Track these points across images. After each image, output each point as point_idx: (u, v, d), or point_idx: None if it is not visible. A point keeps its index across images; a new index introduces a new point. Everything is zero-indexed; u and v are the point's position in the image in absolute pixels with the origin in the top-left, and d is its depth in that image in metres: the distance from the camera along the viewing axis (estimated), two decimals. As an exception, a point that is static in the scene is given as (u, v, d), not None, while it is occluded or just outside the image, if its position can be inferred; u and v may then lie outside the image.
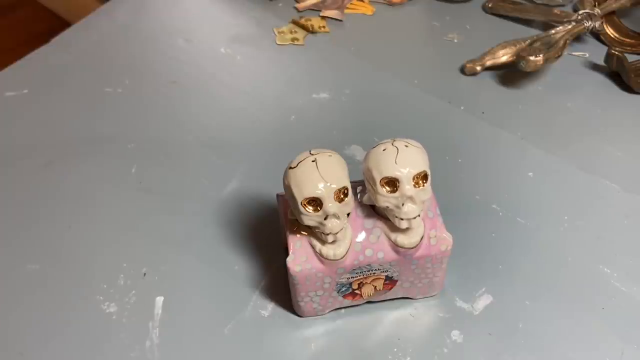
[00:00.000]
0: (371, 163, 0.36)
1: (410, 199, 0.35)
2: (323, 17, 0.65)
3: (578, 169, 0.50)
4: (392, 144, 0.36)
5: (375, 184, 0.35)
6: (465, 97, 0.57)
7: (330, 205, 0.35)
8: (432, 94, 0.57)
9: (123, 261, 0.45)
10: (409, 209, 0.35)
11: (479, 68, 0.58)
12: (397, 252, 0.37)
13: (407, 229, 0.37)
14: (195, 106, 0.56)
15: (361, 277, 0.39)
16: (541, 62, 0.54)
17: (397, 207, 0.36)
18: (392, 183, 0.35)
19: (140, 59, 0.61)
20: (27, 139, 0.54)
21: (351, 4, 0.67)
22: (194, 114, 0.56)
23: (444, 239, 0.38)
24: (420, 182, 0.35)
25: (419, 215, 0.36)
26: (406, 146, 0.35)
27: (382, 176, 0.35)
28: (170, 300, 0.43)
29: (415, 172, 0.35)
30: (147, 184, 0.50)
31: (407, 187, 0.35)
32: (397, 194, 0.35)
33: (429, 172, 0.36)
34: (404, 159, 0.35)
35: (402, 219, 0.36)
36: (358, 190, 0.38)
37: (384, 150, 0.35)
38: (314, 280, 0.38)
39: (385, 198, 0.35)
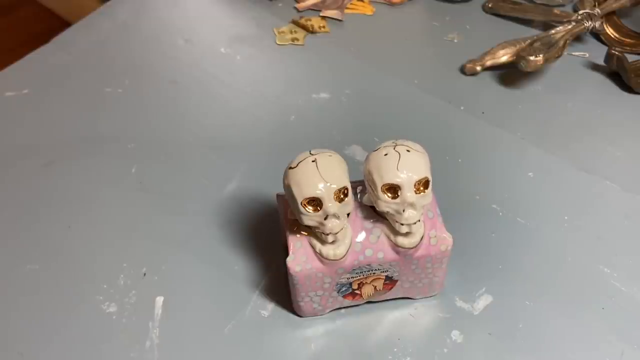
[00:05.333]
0: (372, 167, 0.35)
1: (411, 205, 0.35)
2: (323, 17, 0.65)
3: (578, 169, 0.50)
4: (394, 149, 0.35)
5: (376, 189, 0.35)
6: (465, 97, 0.57)
7: (330, 205, 0.35)
8: (432, 94, 0.57)
9: (123, 261, 0.45)
10: (410, 214, 0.35)
11: (479, 68, 0.58)
12: (397, 252, 0.37)
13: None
14: (195, 106, 0.56)
15: (361, 277, 0.39)
16: (541, 62, 0.54)
17: (398, 212, 0.35)
18: (394, 189, 0.35)
19: (140, 59, 0.61)
20: (27, 139, 0.54)
21: (351, 4, 0.67)
22: (194, 114, 0.56)
23: (444, 239, 0.38)
24: (422, 188, 0.35)
25: (419, 220, 0.36)
26: (408, 151, 0.35)
27: (384, 182, 0.35)
28: (170, 300, 0.43)
29: (416, 178, 0.35)
30: (147, 184, 0.50)
31: (408, 194, 0.35)
32: (398, 200, 0.35)
33: (430, 178, 0.36)
34: (405, 165, 0.35)
35: (402, 224, 0.36)
36: (358, 190, 0.38)
37: (385, 155, 0.35)
38: (314, 280, 0.38)
39: (386, 204, 0.35)
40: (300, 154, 0.36)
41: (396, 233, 0.37)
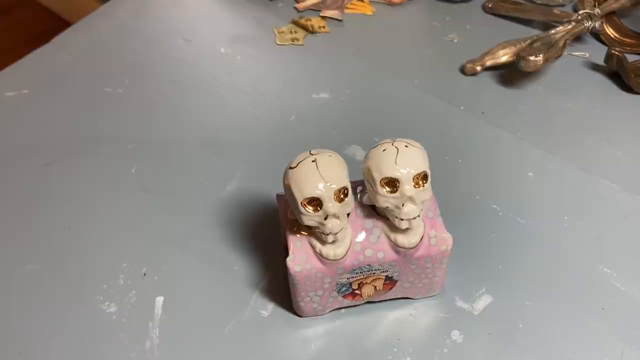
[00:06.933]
0: (371, 163, 0.36)
1: (410, 199, 0.35)
2: (323, 17, 0.65)
3: (578, 169, 0.50)
4: (392, 144, 0.36)
5: (375, 184, 0.35)
6: (465, 97, 0.57)
7: (330, 205, 0.35)
8: (432, 94, 0.57)
9: (123, 261, 0.45)
10: (409, 209, 0.35)
11: (479, 68, 0.58)
12: (397, 252, 0.37)
13: (407, 229, 0.37)
14: (195, 106, 0.56)
15: (361, 277, 0.39)
16: (541, 62, 0.54)
17: (397, 207, 0.36)
18: (392, 183, 0.35)
19: (140, 59, 0.61)
20: (27, 139, 0.54)
21: (351, 4, 0.67)
22: (194, 114, 0.56)
23: (444, 239, 0.38)
24: (420, 182, 0.35)
25: (419, 216, 0.36)
26: (406, 146, 0.35)
27: (382, 176, 0.35)
28: (170, 300, 0.43)
29: (415, 172, 0.35)
30: (147, 184, 0.50)
31: (407, 187, 0.35)
32: (397, 194, 0.35)
33: (429, 172, 0.36)
34: (404, 159, 0.35)
35: (402, 220, 0.36)
36: (358, 190, 0.38)
37: (384, 150, 0.35)
38: (314, 280, 0.38)
39: (385, 198, 0.35)
40: (300, 154, 0.36)
41: (396, 232, 0.37)
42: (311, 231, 0.37)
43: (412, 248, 0.37)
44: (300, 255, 0.37)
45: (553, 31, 0.59)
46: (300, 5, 0.66)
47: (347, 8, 0.67)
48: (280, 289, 0.43)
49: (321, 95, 0.57)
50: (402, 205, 0.35)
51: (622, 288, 0.43)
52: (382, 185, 0.35)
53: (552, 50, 0.56)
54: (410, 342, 0.40)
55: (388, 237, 0.37)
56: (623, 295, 0.43)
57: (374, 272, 0.38)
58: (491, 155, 0.52)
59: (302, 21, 0.64)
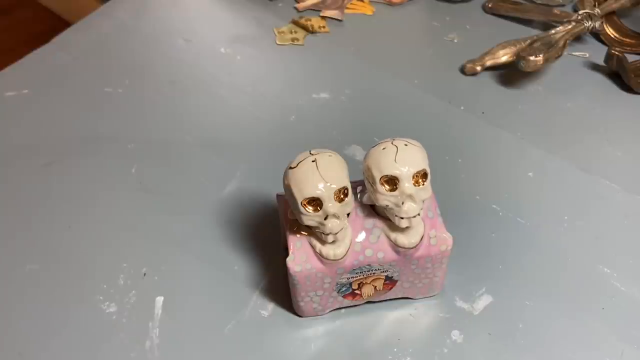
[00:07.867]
0: (371, 162, 0.36)
1: (410, 197, 0.35)
2: (323, 17, 0.65)
3: (578, 169, 0.50)
4: (392, 143, 0.36)
5: (375, 182, 0.35)
6: (465, 97, 0.57)
7: (330, 205, 0.35)
8: (432, 94, 0.57)
9: (123, 261, 0.45)
10: (409, 207, 0.35)
11: (479, 68, 0.58)
12: (397, 252, 0.37)
13: (407, 228, 0.37)
14: (195, 106, 0.56)
15: (361, 277, 0.39)
16: (541, 62, 0.54)
17: (397, 205, 0.36)
18: (392, 181, 0.35)
19: (140, 59, 0.61)
20: (27, 139, 0.54)
21: (351, 4, 0.67)
22: (194, 114, 0.56)
23: (444, 239, 0.38)
24: (420, 180, 0.35)
25: (418, 214, 0.36)
26: (405, 145, 0.36)
27: (382, 174, 0.35)
28: (170, 300, 0.43)
29: (414, 170, 0.35)
30: (147, 184, 0.50)
31: (406, 185, 0.35)
32: (396, 192, 0.35)
33: (428, 171, 0.36)
34: (403, 157, 0.35)
35: (402, 218, 0.36)
36: (358, 190, 0.38)
37: (383, 149, 0.35)
38: (314, 280, 0.38)
39: (384, 197, 0.35)
40: (300, 154, 0.36)
41: (396, 231, 0.37)
42: (311, 231, 0.37)
43: (412, 248, 0.37)
44: (300, 255, 0.37)
45: (553, 31, 0.59)
46: (300, 5, 0.66)
47: (347, 8, 0.67)
48: (280, 289, 0.43)
49: (321, 95, 0.57)
50: (402, 203, 0.35)
51: (622, 288, 0.43)
52: (381, 184, 0.35)
53: (552, 50, 0.56)
54: (410, 342, 0.40)
55: (388, 237, 0.37)
56: (623, 295, 0.43)
57: (374, 272, 0.38)
58: (491, 155, 0.52)
59: (302, 21, 0.64)
